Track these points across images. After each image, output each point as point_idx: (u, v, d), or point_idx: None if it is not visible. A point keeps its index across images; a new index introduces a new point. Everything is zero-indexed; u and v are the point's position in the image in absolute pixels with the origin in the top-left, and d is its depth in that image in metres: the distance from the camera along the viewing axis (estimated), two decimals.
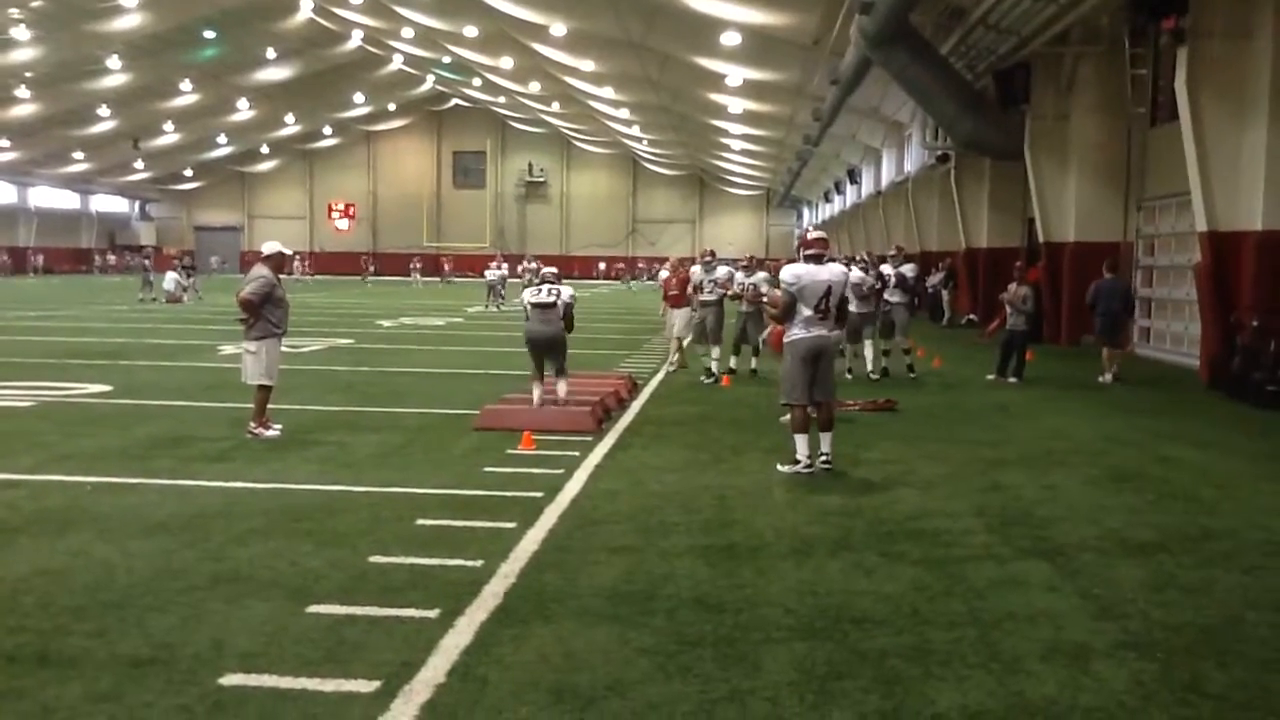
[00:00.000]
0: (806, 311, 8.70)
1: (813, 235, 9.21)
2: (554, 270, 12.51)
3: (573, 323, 11.67)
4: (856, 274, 15.97)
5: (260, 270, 10.30)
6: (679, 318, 16.99)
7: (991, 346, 17.31)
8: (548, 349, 11.54)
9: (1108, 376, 16.10)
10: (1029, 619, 5.29)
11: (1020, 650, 4.85)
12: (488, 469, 8.74)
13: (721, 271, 15.80)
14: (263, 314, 10.12)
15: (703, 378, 15.24)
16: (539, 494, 7.79)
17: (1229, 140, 15.13)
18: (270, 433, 10.15)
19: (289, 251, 10.91)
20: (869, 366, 15.67)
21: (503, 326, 27.52)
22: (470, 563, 6.02)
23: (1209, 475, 9.14)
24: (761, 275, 16.05)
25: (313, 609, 5.23)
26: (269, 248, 10.53)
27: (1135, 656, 4.81)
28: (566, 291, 11.60)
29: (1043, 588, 5.81)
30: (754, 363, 16.10)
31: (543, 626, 5.05)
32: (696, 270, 16.12)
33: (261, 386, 10.21)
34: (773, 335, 11.56)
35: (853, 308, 15.51)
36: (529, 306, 11.61)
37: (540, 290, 11.59)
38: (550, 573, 5.90)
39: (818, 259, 8.88)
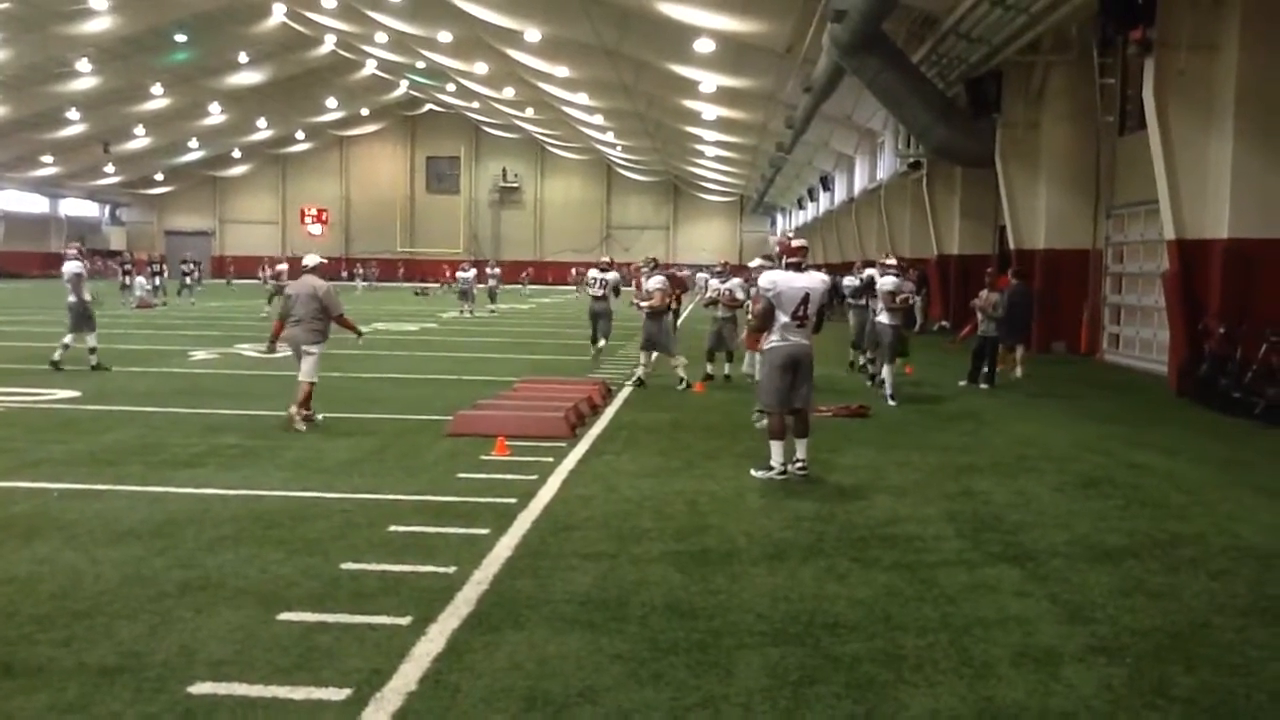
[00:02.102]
0: (784, 319, 8.72)
1: (795, 243, 9.23)
2: (607, 260, 18.79)
3: (619, 291, 18.05)
4: (891, 280, 14.41)
5: (318, 281, 11.37)
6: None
7: (963, 353, 17.42)
8: (600, 317, 17.73)
9: (1018, 372, 17.20)
10: (999, 624, 5.33)
11: (991, 655, 4.89)
12: (461, 475, 8.71)
13: (655, 281, 15.49)
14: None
15: (629, 385, 15.28)
16: (512, 500, 7.77)
17: (1196, 149, 15.32)
18: (318, 418, 11.32)
19: (326, 261, 12.28)
20: (887, 389, 14.00)
21: (476, 332, 27.45)
22: (443, 569, 6.00)
23: (1177, 481, 9.24)
24: (736, 281, 16.01)
25: (283, 616, 5.19)
26: (313, 260, 11.73)
27: (1104, 661, 4.85)
28: (612, 276, 17.88)
29: (1013, 593, 5.85)
30: (728, 368, 16.11)
31: (515, 633, 5.04)
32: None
33: (312, 382, 11.32)
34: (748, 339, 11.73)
35: (884, 319, 14.07)
36: (591, 294, 17.86)
37: (594, 283, 17.76)
38: (523, 579, 5.89)
39: (797, 266, 8.92)
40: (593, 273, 18.01)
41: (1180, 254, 15.59)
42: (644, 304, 15.26)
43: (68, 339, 16.22)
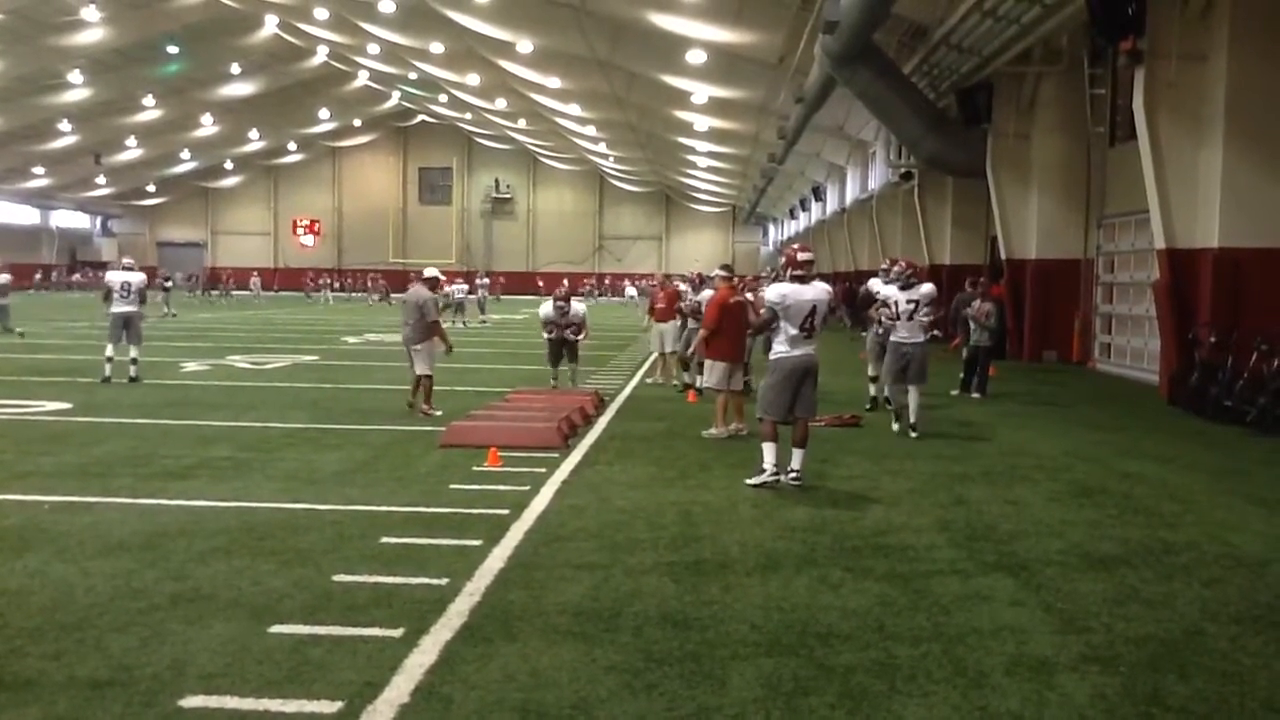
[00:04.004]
0: (792, 330, 8.87)
1: (802, 256, 9.27)
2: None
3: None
4: (892, 290, 12.56)
5: (424, 291, 13.20)
6: (667, 332, 16.90)
7: (954, 362, 17.43)
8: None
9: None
10: (993, 633, 5.33)
11: (985, 665, 4.88)
12: (453, 486, 8.70)
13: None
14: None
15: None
16: (505, 511, 7.76)
17: (1186, 159, 15.39)
18: (436, 413, 12.77)
19: (443, 277, 14.13)
20: (912, 418, 12.07)
21: (468, 344, 27.40)
22: (435, 581, 5.98)
23: (1169, 489, 9.26)
24: (707, 293, 15.73)
25: (275, 629, 5.17)
26: (430, 272, 13.67)
27: (1098, 670, 4.85)
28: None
29: (1007, 602, 5.85)
30: (699, 381, 15.69)
31: (508, 645, 5.02)
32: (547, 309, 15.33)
33: (426, 375, 13.05)
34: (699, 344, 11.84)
35: (901, 336, 12.12)
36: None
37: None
38: (516, 590, 5.87)
39: (803, 279, 9.01)
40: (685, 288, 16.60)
41: (1171, 263, 15.65)
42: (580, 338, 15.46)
43: (135, 352, 16.35)
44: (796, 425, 8.97)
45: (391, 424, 12.33)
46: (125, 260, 18.21)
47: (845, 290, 37.60)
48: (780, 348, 8.96)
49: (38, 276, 71.89)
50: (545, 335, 15.29)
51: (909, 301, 12.25)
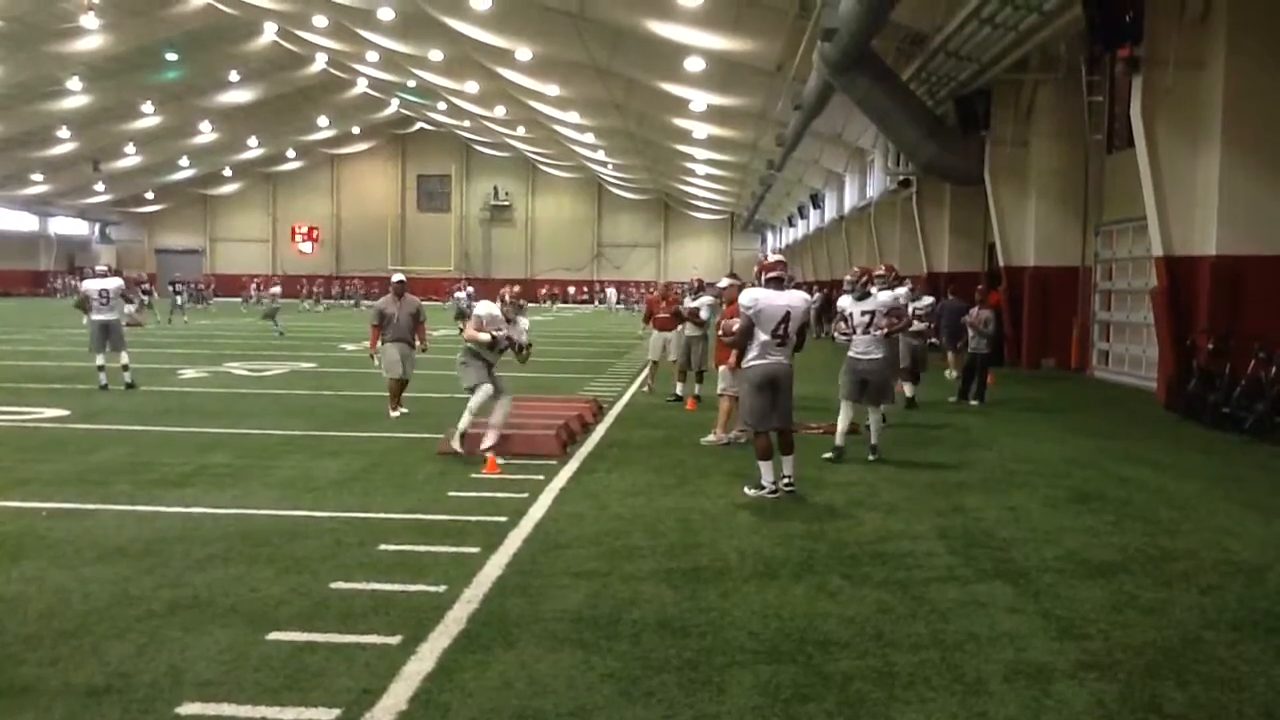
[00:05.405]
0: (764, 337, 8.69)
1: (772, 259, 9.20)
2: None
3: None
4: (847, 302, 11.21)
5: (379, 300, 13.98)
6: (670, 341, 16.43)
7: (944, 368, 17.46)
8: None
9: (953, 373, 17.89)
10: (991, 640, 5.32)
11: (983, 672, 4.88)
12: (451, 493, 8.69)
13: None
14: (380, 327, 13.63)
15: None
16: (503, 518, 7.75)
17: (1183, 166, 15.41)
18: (395, 414, 13.44)
19: (403, 279, 14.09)
20: (873, 438, 10.91)
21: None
22: (433, 588, 5.98)
23: (1167, 496, 9.26)
24: (706, 299, 15.60)
25: (273, 636, 5.16)
26: (394, 278, 14.16)
27: (1096, 677, 4.84)
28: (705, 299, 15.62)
29: (1005, 609, 5.85)
30: (697, 389, 15.43)
31: (506, 652, 5.02)
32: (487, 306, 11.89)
33: (391, 378, 13.67)
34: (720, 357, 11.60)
35: (857, 351, 10.88)
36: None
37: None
38: (514, 597, 5.87)
39: (777, 283, 8.87)
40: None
41: (1168, 270, 15.67)
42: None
43: (125, 358, 16.39)
44: (780, 435, 8.83)
45: (389, 431, 12.32)
46: (99, 266, 18.20)
47: (825, 298, 37.68)
48: (751, 355, 8.76)
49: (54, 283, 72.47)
50: (479, 337, 10.66)
51: (864, 313, 10.94)
